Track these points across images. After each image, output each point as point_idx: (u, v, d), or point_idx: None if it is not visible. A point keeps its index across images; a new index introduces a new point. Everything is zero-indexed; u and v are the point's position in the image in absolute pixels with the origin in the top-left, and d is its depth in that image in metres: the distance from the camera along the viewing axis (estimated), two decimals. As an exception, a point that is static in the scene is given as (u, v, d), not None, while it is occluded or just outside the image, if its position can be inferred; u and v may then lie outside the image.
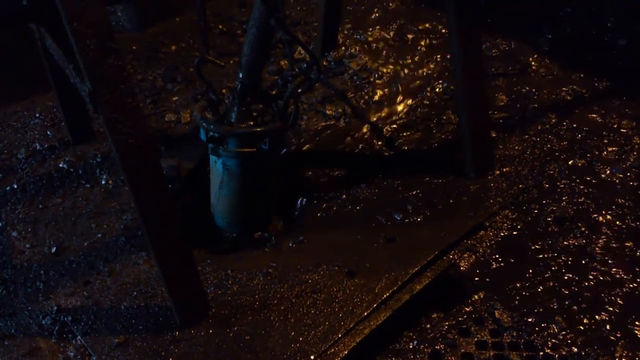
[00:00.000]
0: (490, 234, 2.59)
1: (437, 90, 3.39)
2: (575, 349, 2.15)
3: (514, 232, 2.59)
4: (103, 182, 2.85)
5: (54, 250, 2.53)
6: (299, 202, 2.82)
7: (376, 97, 3.39)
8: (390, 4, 4.23)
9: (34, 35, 2.56)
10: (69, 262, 2.48)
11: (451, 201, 2.71)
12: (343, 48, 3.78)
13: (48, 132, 3.17)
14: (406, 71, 3.57)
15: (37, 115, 3.30)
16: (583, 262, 2.45)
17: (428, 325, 2.28)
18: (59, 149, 3.05)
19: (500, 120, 3.17)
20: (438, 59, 3.65)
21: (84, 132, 3.06)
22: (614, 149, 2.96)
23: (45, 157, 3.01)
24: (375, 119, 3.24)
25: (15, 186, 2.84)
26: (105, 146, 3.03)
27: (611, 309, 2.27)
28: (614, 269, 2.41)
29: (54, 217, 2.68)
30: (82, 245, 2.55)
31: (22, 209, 2.73)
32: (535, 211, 2.67)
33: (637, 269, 2.40)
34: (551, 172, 2.85)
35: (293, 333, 2.17)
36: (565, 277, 2.39)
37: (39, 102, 3.39)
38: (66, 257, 2.51)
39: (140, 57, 3.76)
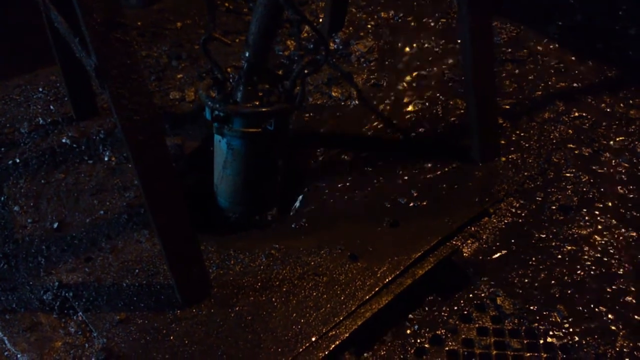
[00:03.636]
0: (495, 220, 2.58)
1: (446, 74, 3.36)
2: (577, 338, 2.15)
3: (519, 220, 2.57)
4: (106, 159, 2.83)
5: (55, 225, 2.52)
6: (303, 183, 2.81)
7: (383, 80, 3.35)
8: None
9: (39, 7, 2.52)
10: (70, 238, 2.47)
11: (456, 187, 2.69)
12: (350, 29, 3.74)
13: (51, 107, 3.14)
14: (414, 54, 3.53)
15: (40, 89, 3.27)
16: (587, 251, 2.44)
17: (429, 310, 2.28)
18: (62, 124, 3.03)
19: (507, 107, 3.14)
20: (447, 43, 3.60)
21: (88, 108, 3.03)
22: (621, 138, 2.94)
23: (48, 132, 2.99)
24: (381, 102, 3.21)
25: (18, 160, 2.82)
26: (109, 123, 3.01)
27: (614, 299, 2.27)
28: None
29: (56, 193, 2.67)
30: (84, 222, 2.54)
31: (24, 183, 2.71)
32: (540, 199, 2.66)
33: (641, 260, 2.40)
34: (557, 160, 2.83)
35: (294, 314, 2.17)
36: (569, 266, 2.39)
37: (42, 76, 3.35)
38: (68, 232, 2.50)
39: (145, 33, 3.72)
